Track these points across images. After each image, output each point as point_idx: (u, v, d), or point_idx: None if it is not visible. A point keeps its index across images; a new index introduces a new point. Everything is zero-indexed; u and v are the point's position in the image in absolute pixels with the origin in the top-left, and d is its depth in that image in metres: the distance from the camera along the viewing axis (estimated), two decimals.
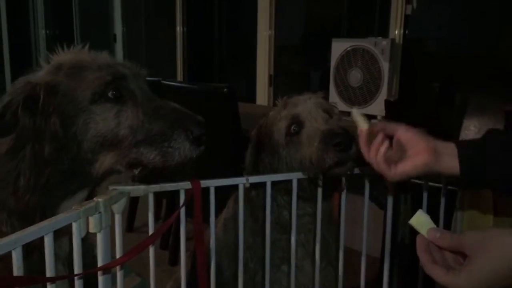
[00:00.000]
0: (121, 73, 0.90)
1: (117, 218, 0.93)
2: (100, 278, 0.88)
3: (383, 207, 1.18)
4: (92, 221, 0.83)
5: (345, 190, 1.13)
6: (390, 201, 1.12)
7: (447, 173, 0.90)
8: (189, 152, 0.87)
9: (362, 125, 0.98)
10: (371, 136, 0.96)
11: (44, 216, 0.85)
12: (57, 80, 0.88)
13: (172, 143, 0.85)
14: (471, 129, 2.39)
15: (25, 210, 0.85)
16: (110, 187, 0.92)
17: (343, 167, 1.08)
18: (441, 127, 2.30)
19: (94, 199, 0.85)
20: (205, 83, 2.36)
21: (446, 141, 0.93)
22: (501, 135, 0.93)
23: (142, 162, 0.88)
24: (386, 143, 0.94)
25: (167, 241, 2.60)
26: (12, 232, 0.85)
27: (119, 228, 0.94)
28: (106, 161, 0.88)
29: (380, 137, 0.94)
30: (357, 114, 1.00)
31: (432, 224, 0.80)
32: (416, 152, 0.90)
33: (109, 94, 0.87)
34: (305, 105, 1.19)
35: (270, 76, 3.54)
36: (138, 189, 0.93)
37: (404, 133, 0.92)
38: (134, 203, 2.96)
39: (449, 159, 0.89)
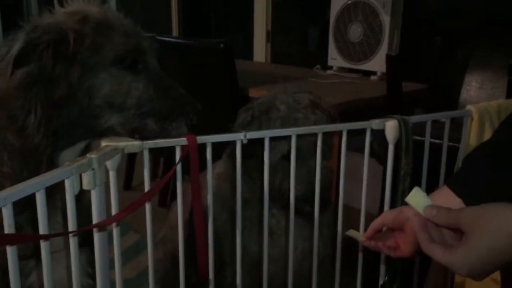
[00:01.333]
0: (143, 46, 0.95)
1: (112, 175, 0.91)
2: (96, 236, 0.87)
3: (383, 162, 1.16)
4: (86, 178, 0.81)
5: (344, 147, 1.11)
6: (390, 156, 1.10)
7: None
8: (183, 133, 0.95)
9: (359, 237, 0.91)
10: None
11: (51, 162, 0.90)
12: (85, 32, 0.89)
13: (174, 123, 0.94)
14: (473, 85, 2.36)
15: (33, 151, 0.88)
16: (104, 143, 0.89)
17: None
18: (442, 83, 2.26)
19: (87, 155, 0.83)
20: (201, 38, 2.29)
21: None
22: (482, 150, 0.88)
23: (141, 131, 0.94)
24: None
25: (165, 199, 2.61)
26: (13, 173, 0.88)
27: (114, 185, 0.92)
28: (111, 120, 0.93)
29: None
30: (352, 233, 0.93)
31: (428, 201, 0.77)
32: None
33: (128, 62, 0.92)
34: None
35: (267, 32, 3.46)
36: (132, 145, 0.91)
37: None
38: (131, 161, 2.95)
39: (450, 200, 0.83)
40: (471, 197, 0.83)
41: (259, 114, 1.24)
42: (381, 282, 1.09)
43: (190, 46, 2.26)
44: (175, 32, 4.28)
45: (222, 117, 2.23)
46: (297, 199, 1.12)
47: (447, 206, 0.80)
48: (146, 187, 0.95)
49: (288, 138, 1.10)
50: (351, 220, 1.12)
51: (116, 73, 0.91)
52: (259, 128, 1.21)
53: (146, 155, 0.94)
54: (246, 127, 1.24)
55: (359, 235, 0.92)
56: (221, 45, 2.05)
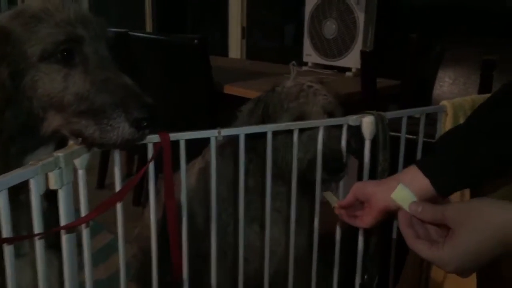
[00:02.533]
0: (77, 35, 0.84)
1: (81, 173, 0.87)
2: (64, 238, 0.83)
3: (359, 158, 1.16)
4: (52, 177, 0.78)
5: (320, 143, 1.10)
6: (367, 152, 1.09)
7: (427, 195, 0.85)
8: (128, 135, 0.81)
9: (334, 203, 0.98)
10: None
11: (7, 167, 0.80)
12: (11, 28, 0.82)
13: (111, 121, 0.80)
14: (446, 80, 2.38)
15: None
16: (71, 141, 0.85)
17: (325, 184, 1.11)
18: (416, 79, 2.28)
19: (54, 153, 0.79)
20: (176, 34, 2.25)
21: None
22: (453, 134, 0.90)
23: (82, 134, 0.83)
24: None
25: (140, 197, 2.56)
26: None
27: (83, 184, 0.88)
28: (54, 122, 0.84)
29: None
30: (329, 196, 1.00)
31: (413, 198, 0.77)
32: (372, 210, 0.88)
33: (60, 55, 0.82)
34: (314, 106, 1.18)
35: (243, 29, 3.44)
36: None
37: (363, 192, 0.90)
38: (105, 159, 2.88)
39: (417, 181, 0.85)
40: (438, 178, 0.84)
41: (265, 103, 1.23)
42: (359, 281, 1.09)
43: (164, 42, 2.22)
44: (149, 28, 4.21)
45: (197, 114, 2.21)
46: (307, 168, 1.12)
47: (413, 185, 0.83)
48: (117, 187, 0.92)
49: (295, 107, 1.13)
50: (330, 216, 1.11)
51: (47, 69, 0.82)
52: (262, 119, 1.21)
53: (116, 154, 0.91)
54: (250, 117, 1.23)
55: (334, 200, 0.96)
56: (196, 41, 2.01)
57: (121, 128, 0.80)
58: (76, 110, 0.82)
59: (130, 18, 4.35)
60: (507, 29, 2.18)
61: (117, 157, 0.91)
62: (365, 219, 0.90)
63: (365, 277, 1.03)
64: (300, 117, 1.15)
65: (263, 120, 1.21)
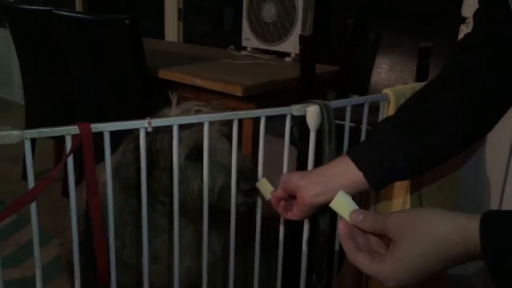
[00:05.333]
0: None
1: None
2: None
3: (300, 148, 1.10)
4: None
5: (262, 134, 1.03)
6: (312, 143, 1.03)
7: (358, 188, 0.82)
8: None
9: (267, 196, 0.94)
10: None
11: None
12: None
13: None
14: (383, 67, 2.40)
15: None
16: None
17: (242, 206, 1.03)
18: (354, 65, 2.27)
19: None
20: (106, 14, 2.09)
21: None
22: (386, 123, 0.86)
23: None
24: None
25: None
26: None
27: None
28: None
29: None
30: (263, 184, 0.96)
31: (354, 206, 0.71)
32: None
33: None
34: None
35: (179, 10, 3.30)
36: (9, 135, 0.76)
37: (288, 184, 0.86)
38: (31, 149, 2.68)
39: (348, 173, 0.81)
40: (372, 171, 0.80)
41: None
42: (304, 281, 1.04)
43: (91, 21, 2.05)
44: (79, 8, 3.95)
45: (129, 100, 2.08)
46: (218, 198, 1.04)
47: (343, 178, 0.80)
48: (30, 184, 0.80)
49: (189, 135, 1.02)
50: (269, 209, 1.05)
51: None
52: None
53: (27, 147, 0.79)
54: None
55: (269, 190, 0.93)
56: (127, 21, 1.88)
57: None
58: None
59: None
60: (441, 17, 2.22)
61: (28, 152, 0.80)
62: (294, 212, 0.87)
63: (313, 276, 0.99)
64: (198, 146, 1.04)
65: (152, 157, 1.08)
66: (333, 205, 0.73)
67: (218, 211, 1.05)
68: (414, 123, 0.81)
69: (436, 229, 0.59)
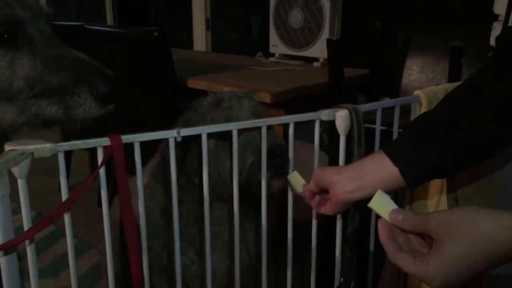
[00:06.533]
0: (16, 17, 0.79)
1: (21, 183, 0.77)
2: (3, 260, 0.73)
3: (331, 154, 1.09)
4: None
5: (291, 140, 1.02)
6: (342, 148, 1.02)
7: (393, 185, 0.79)
8: (95, 110, 0.79)
9: (298, 189, 0.93)
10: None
11: None
12: None
13: (75, 98, 0.77)
14: (414, 69, 2.35)
15: None
16: (8, 147, 0.75)
17: (269, 189, 1.02)
18: (384, 67, 2.24)
19: None
20: (135, 27, 2.14)
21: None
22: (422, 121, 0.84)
23: (45, 116, 0.79)
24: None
25: None
26: None
27: (25, 196, 0.78)
28: (7, 113, 0.79)
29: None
30: (294, 177, 0.94)
31: (393, 205, 0.69)
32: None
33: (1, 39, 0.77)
34: (240, 111, 1.10)
35: (207, 20, 3.33)
36: (43, 149, 0.77)
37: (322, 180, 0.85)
38: (67, 159, 2.74)
39: (384, 169, 0.79)
40: (408, 167, 0.77)
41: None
42: (336, 284, 1.02)
43: (121, 35, 2.10)
44: (109, 21, 4.04)
45: (158, 110, 2.11)
46: (247, 178, 1.03)
47: (378, 174, 0.78)
48: (64, 196, 0.82)
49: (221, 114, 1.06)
50: (303, 211, 1.04)
51: None
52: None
53: (61, 160, 0.81)
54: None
55: (300, 183, 0.92)
56: (155, 33, 1.91)
57: (87, 104, 0.78)
58: (30, 94, 0.77)
59: (90, 10, 4.17)
60: (470, 17, 2.16)
61: (62, 164, 0.81)
62: (328, 207, 0.86)
63: (341, 280, 0.97)
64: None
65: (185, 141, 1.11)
66: (372, 204, 0.72)
67: (249, 195, 1.05)
68: (452, 119, 0.79)
69: (480, 229, 0.57)
